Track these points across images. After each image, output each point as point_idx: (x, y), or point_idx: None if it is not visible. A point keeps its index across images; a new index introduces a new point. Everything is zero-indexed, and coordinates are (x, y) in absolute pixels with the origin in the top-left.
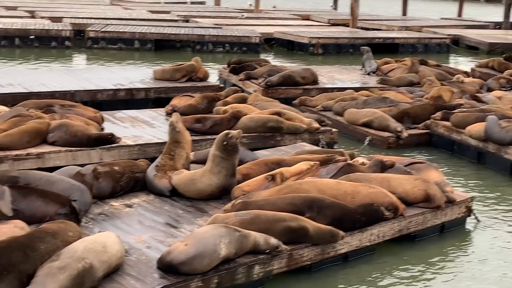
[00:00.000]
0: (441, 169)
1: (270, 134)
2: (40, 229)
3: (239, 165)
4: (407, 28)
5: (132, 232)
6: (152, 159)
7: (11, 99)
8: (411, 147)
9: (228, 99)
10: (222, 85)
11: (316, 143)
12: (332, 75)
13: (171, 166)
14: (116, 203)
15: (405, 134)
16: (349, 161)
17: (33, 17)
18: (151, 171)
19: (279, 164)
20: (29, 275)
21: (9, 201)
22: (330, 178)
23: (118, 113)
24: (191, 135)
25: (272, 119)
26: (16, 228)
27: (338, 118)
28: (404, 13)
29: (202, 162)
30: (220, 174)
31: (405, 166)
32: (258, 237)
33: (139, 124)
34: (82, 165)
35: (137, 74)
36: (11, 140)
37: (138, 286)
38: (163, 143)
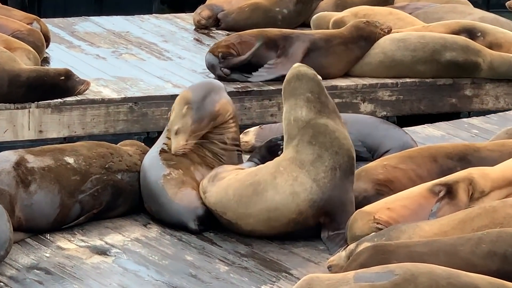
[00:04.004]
0: None
1: (447, 80)
2: None
3: (369, 159)
4: None
5: None
6: (157, 137)
7: None
8: None
9: None
10: None
11: None
12: None
13: (197, 157)
14: (70, 244)
15: None
16: None
17: None
18: (154, 169)
19: (465, 158)
20: None
21: None
22: None
23: (82, 24)
24: (250, 82)
25: (455, 45)
26: None
27: None
28: None
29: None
30: (317, 168)
31: None
32: None
33: (132, 50)
34: None
35: None
36: None
37: None
38: None
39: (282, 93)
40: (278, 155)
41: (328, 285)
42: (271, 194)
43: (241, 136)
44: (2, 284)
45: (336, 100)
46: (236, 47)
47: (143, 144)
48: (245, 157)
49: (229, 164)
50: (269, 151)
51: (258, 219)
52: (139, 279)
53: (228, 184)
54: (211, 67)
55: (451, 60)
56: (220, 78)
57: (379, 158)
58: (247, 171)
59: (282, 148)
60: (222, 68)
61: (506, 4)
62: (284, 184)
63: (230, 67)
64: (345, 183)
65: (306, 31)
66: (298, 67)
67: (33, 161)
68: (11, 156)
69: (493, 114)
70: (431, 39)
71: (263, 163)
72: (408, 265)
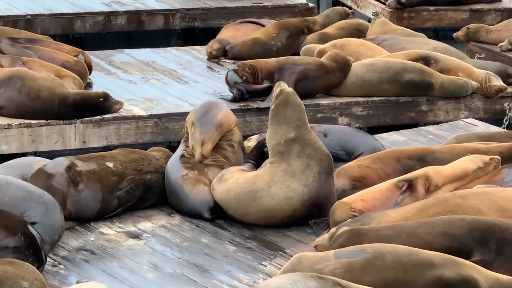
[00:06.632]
0: None
1: (407, 98)
2: None
3: (347, 160)
4: None
5: (142, 286)
6: (177, 146)
7: None
8: None
9: (328, 29)
10: (312, 5)
11: (497, 118)
12: None
13: (210, 160)
14: (110, 230)
15: None
16: None
17: None
18: (175, 170)
19: (423, 159)
20: None
21: None
22: None
23: (118, 55)
24: (250, 100)
25: (413, 68)
26: None
27: None
28: None
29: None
30: (307, 175)
31: None
32: None
33: (157, 76)
34: (49, 156)
35: None
36: None
37: None
38: None
39: (273, 114)
40: (265, 153)
41: (314, 262)
42: (267, 200)
43: (245, 142)
44: (56, 262)
45: (319, 115)
46: (255, 76)
47: (167, 150)
48: None
49: (236, 164)
50: (258, 151)
51: (257, 217)
52: (165, 258)
53: (229, 187)
54: (233, 83)
55: (410, 80)
56: (238, 92)
57: (354, 159)
58: (246, 176)
59: (267, 149)
60: (242, 87)
61: (453, 35)
62: (279, 191)
63: (248, 90)
64: (328, 181)
65: (298, 59)
66: (290, 96)
67: (81, 165)
68: (63, 162)
69: (445, 123)
70: (394, 63)
71: (257, 161)
72: (377, 245)
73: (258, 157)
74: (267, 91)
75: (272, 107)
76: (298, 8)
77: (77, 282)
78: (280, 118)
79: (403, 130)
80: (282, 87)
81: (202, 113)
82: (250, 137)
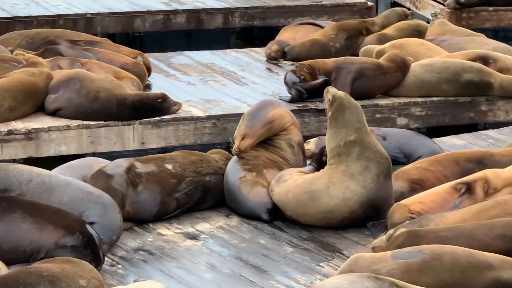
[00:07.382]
0: None
1: (466, 98)
2: (29, 270)
3: (406, 163)
4: None
5: (199, 286)
6: None
7: None
8: None
9: (387, 30)
10: (371, 4)
11: None
12: None
13: (269, 161)
14: (168, 231)
15: None
16: None
17: None
18: (233, 172)
19: (482, 162)
20: None
21: None
22: None
23: (177, 57)
24: (309, 101)
25: (471, 68)
26: None
27: None
28: None
29: None
30: (365, 176)
31: None
32: None
33: (215, 77)
34: (107, 157)
35: None
36: None
37: None
38: None
39: (331, 120)
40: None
41: (371, 262)
42: (326, 201)
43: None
44: (114, 262)
45: (377, 115)
46: (313, 76)
47: (227, 152)
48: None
49: (296, 166)
50: (321, 157)
51: (315, 218)
52: (222, 259)
53: (288, 188)
54: (291, 84)
55: (469, 80)
56: (296, 93)
57: (413, 162)
58: (304, 178)
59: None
60: (300, 87)
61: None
62: (337, 192)
63: (305, 88)
64: (386, 183)
65: (355, 59)
66: (345, 99)
67: (140, 167)
68: (123, 163)
69: (505, 127)
70: (452, 63)
71: (319, 165)
72: (435, 246)
73: (320, 161)
74: (325, 87)
75: (329, 114)
76: (357, 7)
77: (135, 281)
78: (340, 123)
79: (463, 134)
80: (333, 92)
81: (255, 109)
82: (309, 140)
